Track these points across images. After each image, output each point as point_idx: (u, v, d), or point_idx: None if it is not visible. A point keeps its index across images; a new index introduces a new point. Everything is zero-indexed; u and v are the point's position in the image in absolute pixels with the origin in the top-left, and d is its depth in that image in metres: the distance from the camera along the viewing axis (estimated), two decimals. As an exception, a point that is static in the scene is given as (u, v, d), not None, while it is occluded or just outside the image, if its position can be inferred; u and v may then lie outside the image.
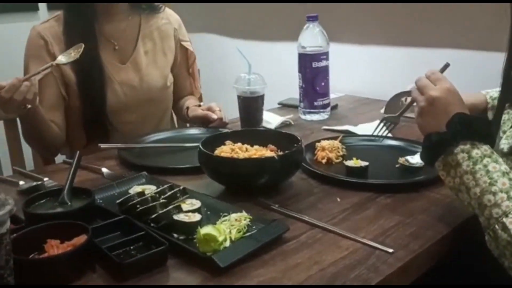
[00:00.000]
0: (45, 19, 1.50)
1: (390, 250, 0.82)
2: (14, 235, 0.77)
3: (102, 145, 1.32)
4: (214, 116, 1.49)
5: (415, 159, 1.14)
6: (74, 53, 1.27)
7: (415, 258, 0.82)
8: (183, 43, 1.67)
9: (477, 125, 0.85)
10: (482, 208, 0.80)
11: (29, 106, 1.23)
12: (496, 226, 0.77)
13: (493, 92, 1.29)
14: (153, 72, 1.57)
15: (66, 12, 1.46)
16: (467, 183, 0.82)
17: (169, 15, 1.65)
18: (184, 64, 1.70)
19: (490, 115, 1.27)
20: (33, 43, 1.46)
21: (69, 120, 1.52)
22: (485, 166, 0.81)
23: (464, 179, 0.82)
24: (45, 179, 1.13)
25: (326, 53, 1.57)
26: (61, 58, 1.28)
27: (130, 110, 1.52)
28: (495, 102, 1.25)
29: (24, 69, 1.45)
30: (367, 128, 1.47)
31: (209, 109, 1.52)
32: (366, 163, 1.13)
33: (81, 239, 0.78)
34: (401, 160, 1.16)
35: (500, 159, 0.83)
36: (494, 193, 0.79)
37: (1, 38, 2.32)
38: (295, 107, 1.72)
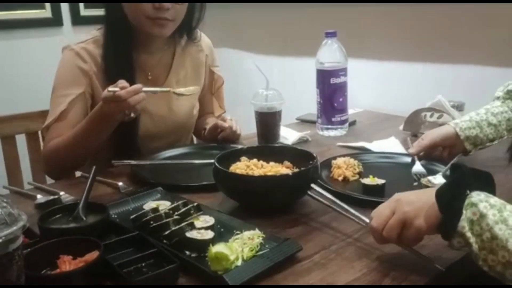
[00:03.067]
0: (81, 40, 1.44)
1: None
2: (28, 249, 0.78)
3: (115, 162, 1.32)
4: (225, 125, 1.49)
5: (438, 179, 1.12)
6: (193, 89, 1.39)
7: (430, 282, 0.79)
8: (212, 68, 1.66)
9: (477, 175, 0.77)
10: None
11: (132, 115, 1.24)
12: None
13: (462, 123, 1.24)
14: (183, 103, 1.56)
15: (106, 39, 1.42)
16: (501, 235, 0.69)
17: (202, 41, 1.62)
18: (209, 86, 1.69)
19: (467, 145, 1.23)
20: (70, 62, 1.40)
21: None
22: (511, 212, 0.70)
23: (496, 230, 0.69)
24: (62, 193, 1.14)
25: (345, 69, 1.56)
26: (181, 90, 1.37)
27: (157, 137, 1.52)
28: (466, 132, 1.22)
29: (54, 87, 1.40)
30: (382, 144, 1.45)
31: (222, 120, 1.52)
32: (383, 181, 1.12)
33: (93, 255, 0.79)
34: (424, 180, 1.13)
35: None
36: None
37: (25, 53, 2.38)
38: (313, 122, 1.71)
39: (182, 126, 1.59)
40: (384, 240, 0.83)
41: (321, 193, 1.01)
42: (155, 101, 1.49)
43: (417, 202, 0.80)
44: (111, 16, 1.40)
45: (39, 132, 1.69)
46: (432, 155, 1.27)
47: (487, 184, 0.77)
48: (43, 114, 1.66)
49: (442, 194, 0.76)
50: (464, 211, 0.73)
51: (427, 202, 0.78)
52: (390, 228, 0.81)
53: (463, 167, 0.78)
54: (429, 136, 1.28)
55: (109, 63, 1.40)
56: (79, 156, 1.36)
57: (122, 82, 1.20)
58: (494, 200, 0.73)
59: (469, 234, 0.72)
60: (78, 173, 1.38)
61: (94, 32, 1.46)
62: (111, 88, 1.19)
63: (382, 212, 0.84)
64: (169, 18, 1.36)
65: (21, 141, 1.67)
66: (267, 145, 1.42)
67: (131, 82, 1.39)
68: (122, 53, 1.41)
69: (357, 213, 0.93)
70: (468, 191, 0.74)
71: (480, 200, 0.72)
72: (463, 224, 0.72)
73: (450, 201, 0.75)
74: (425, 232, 0.79)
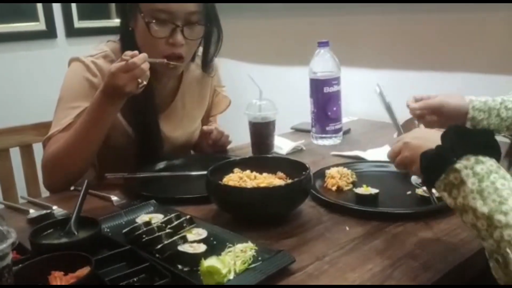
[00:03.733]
0: (90, 53, 1.40)
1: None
2: (18, 266, 0.78)
3: (108, 175, 1.32)
4: (211, 127, 1.51)
5: (433, 189, 1.11)
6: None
7: (427, 290, 0.79)
8: (217, 88, 1.66)
9: (477, 136, 0.79)
10: (491, 230, 0.72)
11: (144, 82, 1.19)
12: (508, 250, 0.70)
13: (477, 102, 1.25)
14: (187, 125, 1.56)
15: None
16: (473, 203, 0.74)
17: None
18: (211, 106, 1.68)
19: (468, 125, 1.24)
20: (79, 74, 1.36)
21: (110, 156, 1.44)
22: (493, 183, 0.74)
23: (470, 198, 0.75)
24: (54, 207, 1.14)
25: (338, 78, 1.56)
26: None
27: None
28: (475, 113, 1.23)
29: (61, 97, 1.35)
30: (376, 153, 1.45)
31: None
32: (376, 191, 1.12)
33: (84, 270, 0.78)
34: (419, 191, 1.13)
35: (508, 176, 0.76)
36: (505, 213, 0.71)
37: (19, 65, 2.38)
38: (307, 131, 1.71)
39: (183, 146, 1.58)
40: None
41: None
42: (162, 123, 1.48)
43: (417, 149, 0.87)
44: (126, 48, 1.31)
45: (33, 145, 1.68)
46: (424, 118, 1.30)
47: (488, 143, 0.79)
48: (37, 127, 1.67)
49: (427, 156, 0.83)
50: (444, 175, 0.78)
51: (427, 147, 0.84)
52: (396, 164, 0.98)
53: (457, 131, 0.80)
54: (440, 99, 1.28)
55: None
56: (84, 154, 1.28)
57: (131, 52, 1.18)
58: (481, 167, 0.76)
59: (443, 193, 0.80)
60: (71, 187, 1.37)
61: (102, 47, 1.43)
62: (123, 57, 1.16)
63: (393, 149, 0.99)
64: (182, 55, 1.34)
65: (15, 154, 1.67)
66: (260, 156, 1.42)
67: (147, 102, 1.40)
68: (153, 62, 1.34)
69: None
70: (454, 159, 0.77)
71: (465, 167, 0.76)
72: (439, 184, 0.80)
73: (434, 162, 0.81)
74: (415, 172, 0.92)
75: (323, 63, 1.56)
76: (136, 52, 1.19)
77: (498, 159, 0.78)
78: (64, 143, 1.26)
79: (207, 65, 1.54)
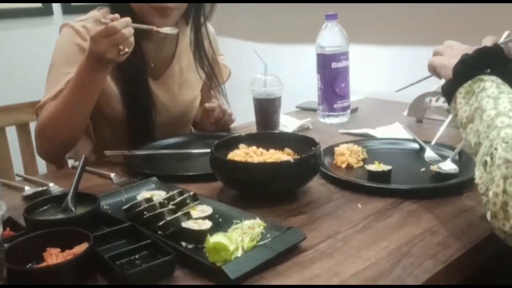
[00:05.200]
0: (81, 18, 1.37)
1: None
2: (12, 242, 0.73)
3: (108, 152, 1.27)
4: (213, 104, 1.46)
5: (448, 166, 1.06)
6: (173, 29, 1.29)
7: (444, 270, 0.74)
8: (215, 56, 1.60)
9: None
10: (490, 130, 0.74)
11: (126, 49, 1.14)
12: (499, 146, 0.70)
13: None
14: (185, 92, 1.51)
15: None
16: (484, 106, 0.77)
17: (208, 28, 1.56)
18: (210, 77, 1.60)
19: None
20: (68, 40, 1.33)
21: (105, 129, 1.44)
22: (510, 97, 0.77)
23: (483, 102, 0.78)
24: (51, 184, 1.09)
25: (346, 53, 1.50)
26: (166, 29, 1.28)
27: (159, 126, 1.46)
28: None
29: (51, 65, 1.33)
30: (386, 130, 1.40)
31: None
32: (389, 167, 1.06)
33: (82, 247, 0.73)
34: (434, 167, 1.07)
35: None
36: (510, 117, 0.73)
37: (15, 43, 2.32)
38: (313, 110, 1.66)
39: (184, 115, 1.53)
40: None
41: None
42: (159, 90, 1.44)
43: (449, 59, 0.90)
44: (116, 5, 1.32)
45: (30, 124, 1.63)
46: None
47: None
48: (34, 105, 1.60)
49: (466, 60, 0.85)
50: (470, 82, 0.82)
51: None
52: (430, 63, 0.99)
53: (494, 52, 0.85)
54: None
55: None
56: (74, 121, 1.25)
57: (112, 16, 1.12)
58: (505, 86, 0.80)
59: (462, 101, 0.83)
60: (68, 164, 1.32)
61: (93, 12, 1.39)
62: (103, 20, 1.11)
63: (436, 49, 1.00)
64: (172, 6, 1.29)
65: (11, 134, 1.62)
66: (267, 131, 1.36)
67: (141, 73, 1.36)
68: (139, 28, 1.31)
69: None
70: (488, 70, 0.83)
71: (490, 79, 0.81)
72: (461, 90, 0.83)
73: (467, 68, 0.85)
74: (442, 70, 0.93)
75: (331, 37, 1.49)
76: (117, 15, 1.12)
77: None
78: (54, 110, 1.23)
79: (199, 27, 1.48)
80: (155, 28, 1.25)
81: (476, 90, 0.81)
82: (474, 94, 0.81)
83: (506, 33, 1.17)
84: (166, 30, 1.28)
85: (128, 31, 1.12)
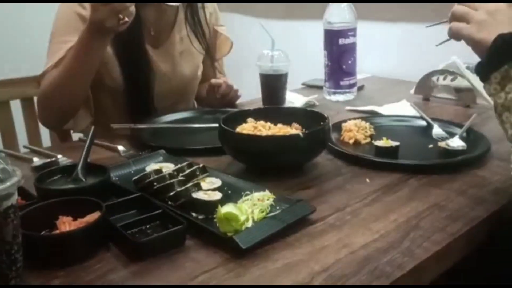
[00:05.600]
0: None
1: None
2: (25, 210, 0.73)
3: (115, 125, 1.27)
4: (220, 80, 1.45)
5: (456, 142, 1.06)
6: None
7: (453, 242, 0.75)
8: (216, 27, 1.59)
9: None
10: None
11: (126, 19, 1.13)
12: None
13: None
14: (186, 61, 1.50)
15: None
16: None
17: None
18: (212, 49, 1.61)
19: None
20: (68, 8, 1.32)
21: (106, 100, 1.43)
22: None
23: None
24: (59, 156, 1.09)
25: (354, 29, 1.49)
26: None
27: (160, 97, 1.45)
28: None
29: (52, 34, 1.33)
30: (393, 108, 1.40)
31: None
32: (397, 143, 1.06)
33: (94, 216, 0.74)
34: (442, 144, 1.07)
35: None
36: None
37: (21, 17, 2.30)
38: (319, 87, 1.65)
39: (186, 86, 1.52)
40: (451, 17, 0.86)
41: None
42: (160, 59, 1.43)
43: (479, 32, 0.81)
44: None
45: (34, 98, 1.63)
46: None
47: None
48: (38, 79, 1.61)
49: (505, 37, 0.77)
50: (506, 66, 0.76)
51: (494, 29, 0.79)
52: (463, 13, 0.83)
53: None
54: None
55: None
56: (75, 88, 1.26)
57: None
58: None
59: (497, 87, 0.77)
60: (76, 137, 1.32)
61: None
62: None
63: (457, 10, 0.85)
64: None
65: (16, 107, 1.62)
66: (275, 106, 1.36)
67: (138, 40, 1.34)
68: None
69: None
70: None
71: None
72: (496, 74, 0.77)
73: (504, 50, 0.77)
74: (476, 50, 0.83)
75: (339, 12, 1.48)
76: None
77: None
78: (56, 78, 1.24)
79: None
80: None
81: None
82: (511, 80, 0.76)
83: None
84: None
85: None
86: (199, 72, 1.56)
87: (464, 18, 0.83)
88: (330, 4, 1.50)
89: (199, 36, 1.50)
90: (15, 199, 0.62)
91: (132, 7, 1.13)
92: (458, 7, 0.84)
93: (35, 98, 1.61)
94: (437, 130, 1.16)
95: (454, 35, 0.86)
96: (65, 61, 1.23)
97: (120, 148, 1.16)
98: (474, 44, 0.82)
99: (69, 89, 1.25)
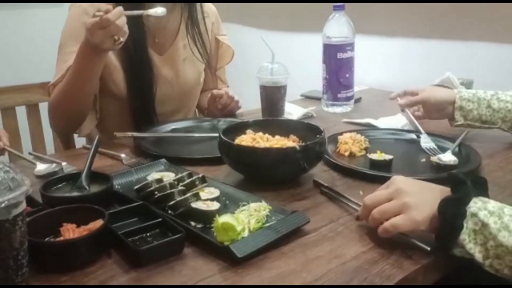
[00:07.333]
0: None
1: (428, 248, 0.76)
2: (31, 217, 0.76)
3: (118, 134, 1.31)
4: (221, 91, 1.49)
5: (448, 157, 1.10)
6: (161, 10, 1.28)
7: (443, 254, 0.78)
8: (218, 37, 1.63)
9: (475, 179, 0.77)
10: None
11: (121, 39, 1.18)
12: None
13: (465, 92, 1.24)
14: (189, 68, 1.54)
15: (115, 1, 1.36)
16: (505, 242, 0.69)
17: (208, 8, 1.61)
18: (214, 57, 1.66)
19: (457, 115, 1.24)
20: (76, 19, 1.36)
21: (109, 106, 1.48)
22: (511, 215, 0.71)
23: (500, 238, 0.69)
24: (63, 163, 1.12)
25: (352, 44, 1.53)
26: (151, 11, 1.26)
27: (162, 102, 1.49)
28: (463, 103, 1.23)
29: (60, 44, 1.39)
30: (388, 121, 1.43)
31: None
32: (391, 157, 1.10)
33: (97, 223, 0.77)
34: (434, 158, 1.11)
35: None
36: None
37: (28, 23, 2.33)
38: (317, 99, 1.69)
39: (187, 92, 1.57)
40: (373, 219, 0.80)
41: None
42: (164, 65, 1.47)
43: (419, 195, 0.79)
44: None
45: (40, 104, 1.66)
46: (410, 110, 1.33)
47: (481, 187, 0.77)
48: (44, 86, 1.64)
49: (445, 210, 0.74)
50: (465, 224, 0.72)
51: (432, 200, 0.76)
52: (384, 211, 0.79)
53: (466, 181, 0.76)
54: (426, 94, 1.30)
55: None
56: (79, 98, 1.32)
57: (105, 6, 1.14)
58: (491, 205, 0.73)
59: (470, 245, 0.72)
60: (79, 145, 1.36)
61: None
62: (97, 13, 1.13)
63: (379, 194, 0.83)
64: None
65: (21, 113, 1.65)
66: (273, 118, 1.40)
67: (142, 46, 1.40)
68: (132, 15, 1.36)
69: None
70: (471, 203, 0.73)
71: (479, 209, 0.72)
72: (464, 236, 0.72)
73: (453, 218, 0.73)
74: (421, 228, 0.77)
75: (337, 27, 1.52)
76: (109, 7, 1.14)
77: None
78: (60, 91, 1.31)
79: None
80: (145, 13, 1.26)
81: (475, 228, 0.72)
82: (477, 232, 0.72)
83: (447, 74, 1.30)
84: (153, 12, 1.26)
85: (122, 21, 1.15)
86: (201, 79, 1.61)
87: (387, 214, 0.79)
88: (330, 18, 1.54)
89: (199, 46, 1.55)
90: (23, 207, 0.66)
91: (125, 27, 1.17)
92: (374, 212, 0.80)
93: (40, 105, 1.66)
94: (426, 141, 1.19)
95: (392, 231, 0.78)
96: (67, 75, 1.29)
97: (123, 156, 1.19)
98: (416, 225, 0.77)
99: (73, 100, 1.32)
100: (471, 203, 0.73)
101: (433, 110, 1.30)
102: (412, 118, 1.31)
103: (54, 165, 1.11)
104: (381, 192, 0.83)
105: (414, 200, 0.78)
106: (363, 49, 1.69)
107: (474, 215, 0.72)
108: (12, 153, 1.20)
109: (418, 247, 0.77)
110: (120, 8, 1.16)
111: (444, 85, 1.47)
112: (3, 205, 0.62)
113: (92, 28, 1.14)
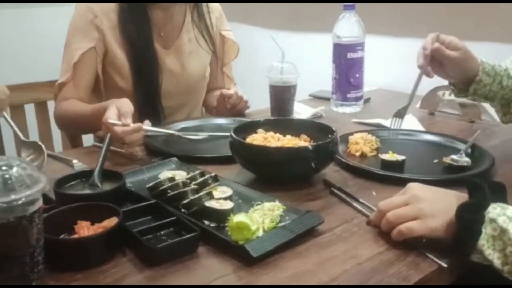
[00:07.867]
0: None
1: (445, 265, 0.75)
2: (45, 214, 0.76)
3: (144, 127, 1.31)
4: (230, 91, 1.49)
5: (460, 158, 1.09)
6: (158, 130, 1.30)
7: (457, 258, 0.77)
8: (223, 32, 1.63)
9: (493, 185, 0.77)
10: None
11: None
12: None
13: (487, 65, 1.16)
14: (194, 61, 1.55)
15: None
16: None
17: (212, 4, 1.62)
18: (220, 53, 1.66)
19: (471, 88, 1.15)
20: (81, 16, 1.40)
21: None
22: None
23: None
24: (74, 161, 1.12)
25: (362, 44, 1.52)
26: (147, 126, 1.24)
27: (167, 96, 1.50)
28: (483, 77, 1.14)
29: (66, 42, 1.41)
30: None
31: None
32: (403, 157, 1.09)
33: (111, 221, 0.77)
34: (447, 159, 1.10)
35: None
36: None
37: (36, 22, 2.33)
38: (326, 99, 1.68)
39: (193, 86, 1.58)
40: (387, 222, 0.80)
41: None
42: (169, 59, 1.48)
43: (435, 203, 0.78)
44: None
45: (48, 102, 1.66)
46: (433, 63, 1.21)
47: (500, 194, 0.76)
48: (52, 84, 1.64)
49: (462, 215, 0.74)
50: (483, 230, 0.72)
51: (448, 207, 0.76)
52: (399, 215, 0.79)
53: (484, 187, 0.76)
54: (460, 56, 1.17)
55: (124, 19, 1.40)
56: (85, 130, 1.45)
57: (127, 117, 1.14)
58: (510, 211, 0.72)
59: (488, 251, 0.71)
60: (89, 142, 1.36)
61: None
62: (111, 121, 1.12)
63: (394, 199, 0.83)
64: None
65: (29, 111, 1.65)
66: (285, 118, 1.39)
67: (147, 39, 1.41)
68: (137, 9, 1.41)
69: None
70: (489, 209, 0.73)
71: (498, 215, 0.71)
72: (483, 242, 0.71)
73: (471, 223, 0.73)
74: (438, 235, 0.76)
75: (348, 27, 1.51)
76: (128, 120, 1.14)
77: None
78: (69, 117, 1.38)
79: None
80: (175, 133, 1.31)
81: (494, 234, 0.71)
82: (495, 238, 0.71)
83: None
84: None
85: (133, 137, 1.19)
86: (207, 73, 1.61)
87: (402, 218, 0.79)
88: (340, 18, 1.54)
89: (206, 35, 1.55)
90: (40, 204, 0.66)
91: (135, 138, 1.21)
92: (389, 214, 0.80)
93: (48, 103, 1.66)
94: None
95: (407, 235, 0.78)
96: (75, 111, 1.36)
97: (133, 154, 1.19)
98: (434, 232, 0.77)
99: (79, 130, 1.50)
100: (490, 209, 0.73)
101: (453, 73, 1.20)
102: (419, 81, 1.27)
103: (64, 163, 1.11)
104: (396, 197, 0.84)
105: (430, 207, 0.78)
106: (373, 49, 1.69)
107: (493, 220, 0.71)
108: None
109: (434, 262, 0.76)
110: (137, 126, 1.16)
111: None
112: (20, 202, 0.62)
113: (103, 124, 1.14)
